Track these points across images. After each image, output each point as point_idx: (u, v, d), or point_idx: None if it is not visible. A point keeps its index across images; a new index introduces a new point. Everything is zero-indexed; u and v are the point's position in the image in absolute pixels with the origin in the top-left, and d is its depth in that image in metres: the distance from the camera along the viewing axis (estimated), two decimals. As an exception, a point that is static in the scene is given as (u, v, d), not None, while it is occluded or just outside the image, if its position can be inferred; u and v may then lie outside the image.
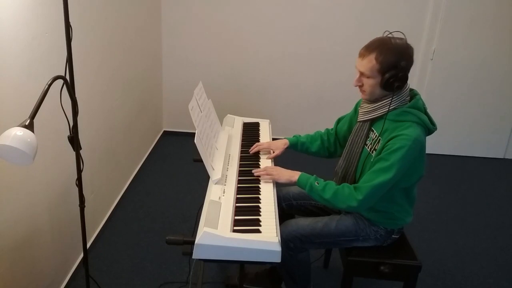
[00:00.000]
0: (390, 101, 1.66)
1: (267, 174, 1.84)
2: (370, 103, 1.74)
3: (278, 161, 2.02)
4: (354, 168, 1.82)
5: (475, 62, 3.77)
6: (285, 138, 2.12)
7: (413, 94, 1.73)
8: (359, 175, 1.79)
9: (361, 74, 1.67)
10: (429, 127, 1.67)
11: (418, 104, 1.69)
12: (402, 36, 1.64)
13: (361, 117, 1.80)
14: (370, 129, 1.78)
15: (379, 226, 1.83)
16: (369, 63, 1.62)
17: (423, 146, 1.64)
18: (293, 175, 1.81)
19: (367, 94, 1.71)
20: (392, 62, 1.58)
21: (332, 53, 3.84)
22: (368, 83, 1.66)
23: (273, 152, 2.07)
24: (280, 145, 2.08)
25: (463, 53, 3.75)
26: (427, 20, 3.70)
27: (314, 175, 1.80)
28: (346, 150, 1.86)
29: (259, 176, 1.85)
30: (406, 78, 1.61)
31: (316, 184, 1.74)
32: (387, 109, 1.67)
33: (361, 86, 1.71)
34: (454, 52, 3.75)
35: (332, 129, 2.10)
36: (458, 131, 4.01)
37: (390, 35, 1.64)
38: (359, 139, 1.80)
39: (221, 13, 3.80)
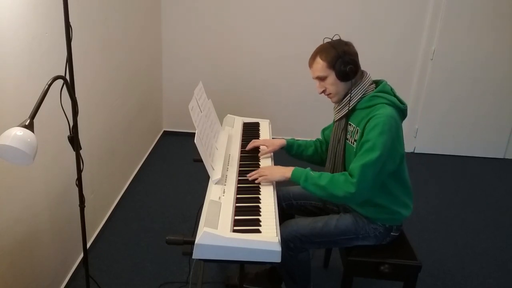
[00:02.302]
0: (350, 93, 1.76)
1: (260, 176, 1.83)
2: (339, 102, 1.83)
3: (278, 163, 2.01)
4: (341, 164, 1.85)
5: (475, 62, 3.77)
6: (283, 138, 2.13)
7: (379, 83, 1.81)
8: (347, 169, 1.80)
9: (319, 79, 1.79)
10: (399, 106, 1.73)
11: (385, 88, 1.77)
12: (338, 37, 1.82)
13: (336, 117, 1.88)
14: (347, 124, 1.83)
15: (377, 223, 1.83)
16: (318, 64, 1.76)
17: (398, 123, 1.70)
18: (286, 171, 1.82)
19: (333, 95, 1.81)
20: (334, 54, 1.73)
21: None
22: (328, 83, 1.77)
23: (268, 148, 2.08)
24: (276, 143, 2.09)
25: (463, 53, 3.75)
26: (427, 20, 3.70)
27: (309, 168, 1.80)
28: (330, 150, 1.92)
29: (255, 180, 1.84)
30: (355, 62, 1.74)
31: (311, 173, 1.76)
32: (355, 99, 1.77)
33: (325, 92, 1.81)
34: (454, 52, 3.75)
35: (321, 138, 2.14)
36: (458, 131, 4.01)
37: (328, 40, 1.81)
38: (339, 136, 1.86)
39: (221, 13, 3.81)
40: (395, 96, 1.76)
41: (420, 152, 4.09)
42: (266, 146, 2.09)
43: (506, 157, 4.09)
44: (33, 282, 1.92)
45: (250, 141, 2.20)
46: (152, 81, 3.77)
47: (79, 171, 1.74)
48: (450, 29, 3.68)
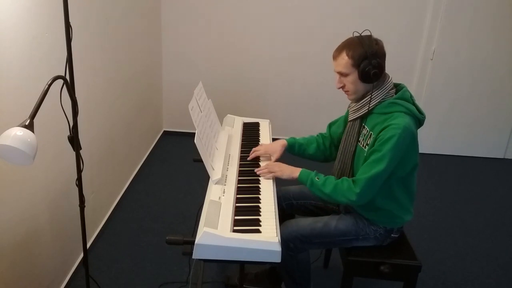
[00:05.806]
0: (370, 95, 1.72)
1: (269, 172, 1.86)
2: (357, 102, 1.79)
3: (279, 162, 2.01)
4: (349, 167, 1.83)
5: (475, 62, 3.77)
6: (282, 139, 2.09)
7: (399, 88, 1.77)
8: (355, 172, 1.80)
9: (340, 74, 1.74)
10: (417, 116, 1.71)
11: (405, 95, 1.73)
12: (369, 33, 1.72)
13: (351, 116, 1.85)
14: (361, 126, 1.81)
15: (378, 225, 1.83)
16: (342, 60, 1.70)
17: (414, 134, 1.67)
18: (294, 171, 1.84)
19: (351, 93, 1.76)
20: (362, 53, 1.66)
21: (332, 53, 3.84)
22: (348, 81, 1.72)
23: (272, 157, 2.04)
24: (278, 147, 2.03)
25: (463, 53, 3.75)
26: (427, 20, 3.70)
27: (315, 171, 1.82)
28: (340, 151, 1.89)
29: (261, 175, 1.87)
30: (381, 66, 1.67)
31: (316, 179, 1.77)
32: (374, 102, 1.73)
33: (343, 88, 1.76)
34: (454, 52, 3.74)
35: (325, 133, 2.11)
36: (458, 131, 4.01)
37: (357, 34, 1.72)
38: (351, 138, 1.83)
39: (221, 13, 3.81)
40: (414, 104, 1.72)
41: (420, 152, 4.02)
42: (270, 154, 2.04)
43: (506, 157, 4.09)
44: (33, 282, 1.92)
45: (250, 141, 2.19)
46: (152, 81, 3.77)
47: (79, 171, 1.74)
48: (450, 29, 3.68)
